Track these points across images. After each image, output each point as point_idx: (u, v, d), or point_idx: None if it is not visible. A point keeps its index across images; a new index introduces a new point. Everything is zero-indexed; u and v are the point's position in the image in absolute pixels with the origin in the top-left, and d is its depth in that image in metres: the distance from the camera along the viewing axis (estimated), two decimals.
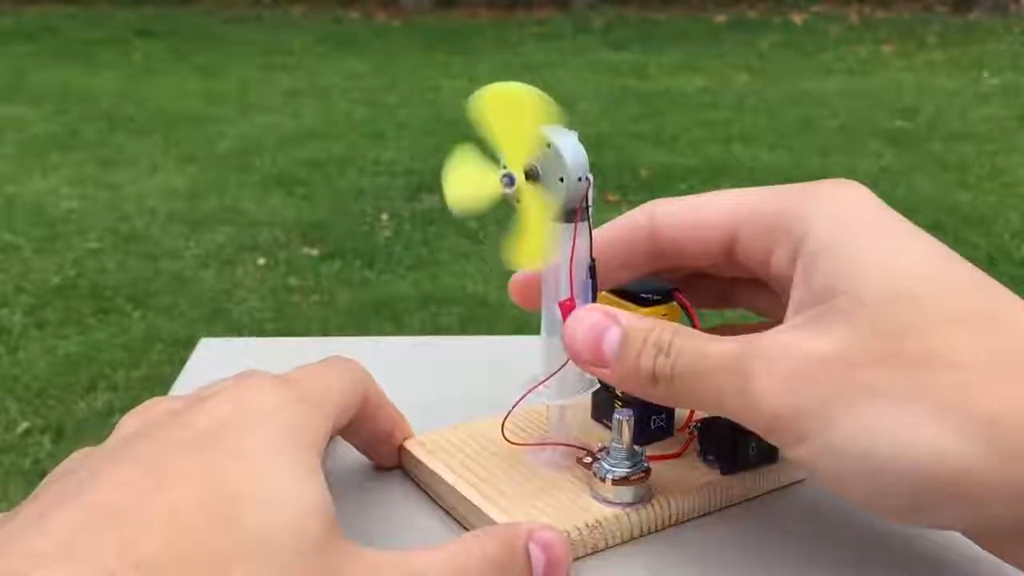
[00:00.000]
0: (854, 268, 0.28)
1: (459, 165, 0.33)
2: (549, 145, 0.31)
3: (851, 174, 0.33)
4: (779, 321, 0.30)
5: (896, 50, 5.86)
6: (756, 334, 0.29)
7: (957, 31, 6.53)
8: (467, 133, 0.33)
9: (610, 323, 0.31)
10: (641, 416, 0.35)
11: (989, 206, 3.03)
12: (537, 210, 0.32)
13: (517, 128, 0.31)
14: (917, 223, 0.30)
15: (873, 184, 0.31)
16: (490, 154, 0.33)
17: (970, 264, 0.28)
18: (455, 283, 2.45)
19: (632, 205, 0.34)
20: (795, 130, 3.98)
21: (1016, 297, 0.28)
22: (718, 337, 0.30)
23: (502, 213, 0.32)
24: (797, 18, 7.17)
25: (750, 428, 0.29)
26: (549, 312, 0.34)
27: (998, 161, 3.51)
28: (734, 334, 0.30)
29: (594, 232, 0.34)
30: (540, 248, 0.32)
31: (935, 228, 2.60)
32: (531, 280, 0.35)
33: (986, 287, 0.28)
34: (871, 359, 0.26)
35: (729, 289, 0.36)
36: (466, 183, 0.33)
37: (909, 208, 2.80)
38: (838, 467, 0.27)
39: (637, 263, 0.35)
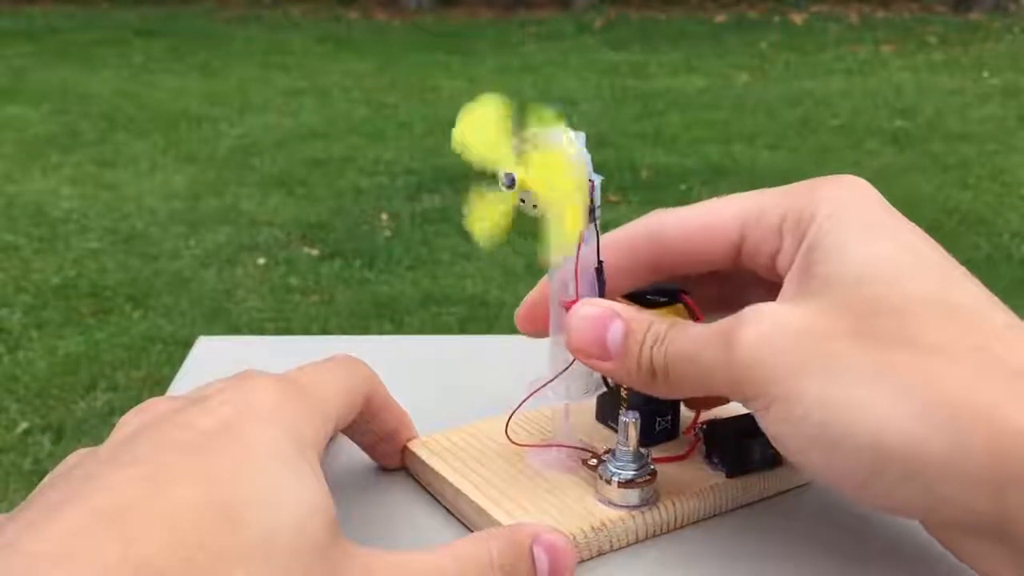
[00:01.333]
0: (836, 257, 0.29)
1: (473, 201, 0.32)
2: None
3: (851, 174, 0.33)
4: None
5: (896, 50, 5.86)
6: (739, 312, 0.30)
7: (957, 31, 6.53)
8: None
9: (613, 316, 0.31)
10: (646, 418, 0.35)
11: (989, 206, 3.03)
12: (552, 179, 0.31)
13: (494, 136, 0.31)
14: (917, 223, 0.31)
15: (872, 184, 0.32)
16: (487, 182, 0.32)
17: (951, 260, 0.29)
18: (455, 283, 2.45)
19: (632, 205, 0.34)
20: (795, 130, 3.98)
21: (989, 295, 0.28)
22: (707, 324, 0.31)
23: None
24: (797, 18, 7.17)
25: (734, 399, 0.30)
26: (556, 313, 0.34)
27: (998, 161, 3.51)
28: None
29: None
30: (571, 237, 0.32)
31: (935, 228, 2.59)
32: (535, 309, 0.36)
33: (962, 282, 0.28)
34: (840, 333, 0.27)
35: (733, 290, 0.36)
36: (482, 215, 0.32)
37: (909, 208, 2.79)
38: (799, 434, 0.27)
39: (640, 271, 0.35)
